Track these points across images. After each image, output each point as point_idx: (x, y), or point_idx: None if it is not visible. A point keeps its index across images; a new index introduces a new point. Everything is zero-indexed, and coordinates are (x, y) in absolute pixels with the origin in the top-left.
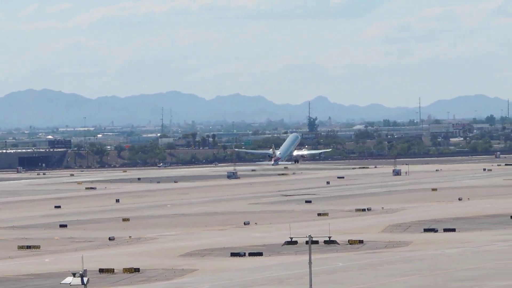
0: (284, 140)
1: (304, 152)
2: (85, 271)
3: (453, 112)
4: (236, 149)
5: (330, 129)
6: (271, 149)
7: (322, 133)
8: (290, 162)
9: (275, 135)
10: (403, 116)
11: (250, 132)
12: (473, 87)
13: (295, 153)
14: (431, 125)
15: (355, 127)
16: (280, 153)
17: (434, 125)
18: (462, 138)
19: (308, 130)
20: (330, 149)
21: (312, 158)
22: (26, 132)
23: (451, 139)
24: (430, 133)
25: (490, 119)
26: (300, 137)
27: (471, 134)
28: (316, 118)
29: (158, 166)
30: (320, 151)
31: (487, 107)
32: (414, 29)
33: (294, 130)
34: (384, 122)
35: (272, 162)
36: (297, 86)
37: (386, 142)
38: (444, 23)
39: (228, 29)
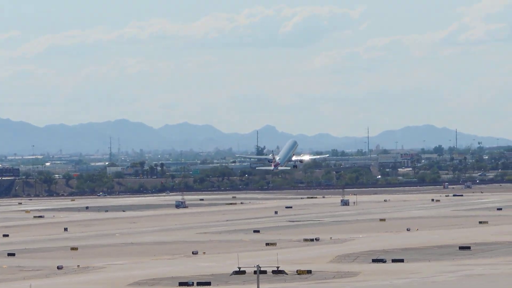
0: (232, 169)
1: (303, 157)
2: None
3: (402, 142)
4: (240, 157)
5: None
6: (270, 155)
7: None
8: (289, 167)
9: (224, 164)
10: (351, 146)
11: (199, 161)
12: (422, 117)
13: (294, 158)
14: (379, 155)
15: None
16: (279, 158)
17: (382, 155)
18: (410, 169)
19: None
20: (327, 155)
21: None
22: None
23: (399, 169)
24: (379, 163)
25: (439, 150)
26: (297, 143)
27: (419, 165)
28: (264, 147)
29: (98, 195)
30: (318, 156)
31: (435, 137)
32: (361, 59)
33: (242, 159)
34: (332, 152)
35: (272, 167)
36: (245, 115)
37: (334, 172)
38: (392, 53)
39: (176, 57)
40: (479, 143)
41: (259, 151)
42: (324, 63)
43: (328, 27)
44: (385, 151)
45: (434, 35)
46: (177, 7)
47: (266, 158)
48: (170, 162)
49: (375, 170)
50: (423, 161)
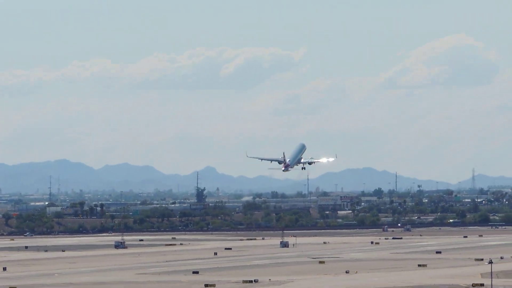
0: (172, 210)
1: (312, 160)
2: None
3: (342, 185)
4: (250, 157)
5: (218, 200)
6: (281, 156)
7: (210, 204)
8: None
9: (163, 205)
10: (291, 188)
11: (138, 202)
12: (361, 160)
13: (303, 160)
14: (319, 198)
15: (243, 199)
16: (289, 160)
17: (322, 197)
18: (350, 211)
19: (196, 200)
20: (335, 158)
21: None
22: None
23: (339, 211)
24: (318, 205)
25: (378, 192)
26: (306, 147)
27: (359, 207)
28: (204, 189)
29: (25, 235)
30: (327, 159)
31: (375, 180)
32: (303, 101)
33: (182, 200)
34: (272, 193)
35: (283, 168)
36: (185, 156)
37: (274, 214)
38: (333, 95)
39: (117, 98)
40: (418, 186)
41: (199, 193)
42: (266, 105)
43: (270, 69)
44: (325, 194)
45: (375, 78)
46: (119, 47)
47: (277, 160)
48: (110, 202)
49: (314, 212)
50: (362, 203)
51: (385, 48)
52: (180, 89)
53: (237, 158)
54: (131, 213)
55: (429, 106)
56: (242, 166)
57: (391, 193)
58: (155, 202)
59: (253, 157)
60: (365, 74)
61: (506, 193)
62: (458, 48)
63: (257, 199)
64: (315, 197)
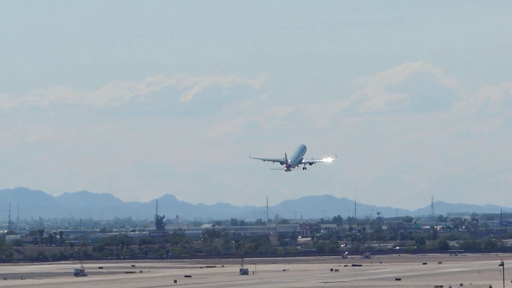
0: (131, 238)
1: (313, 160)
2: None
3: (301, 212)
4: (253, 158)
5: (177, 228)
6: (283, 157)
7: (170, 232)
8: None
9: (123, 232)
10: (251, 215)
11: (98, 230)
12: (321, 187)
13: (304, 160)
14: (278, 225)
15: (202, 226)
16: (291, 160)
17: (281, 224)
18: (309, 238)
19: (155, 228)
20: (335, 157)
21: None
22: None
23: (298, 239)
24: (278, 232)
25: (338, 220)
26: (306, 148)
27: (318, 234)
28: (163, 217)
29: None
30: (327, 159)
31: (334, 207)
32: (262, 128)
33: (141, 228)
34: (232, 221)
35: (285, 168)
36: (145, 183)
37: (233, 241)
38: (293, 122)
39: (77, 125)
40: (378, 213)
41: (158, 220)
42: (225, 132)
43: (229, 96)
44: (285, 221)
45: (335, 105)
46: (79, 75)
47: (279, 160)
48: (69, 230)
49: (274, 239)
50: (322, 231)
51: (344, 75)
52: (139, 117)
53: (196, 186)
54: (90, 241)
55: (388, 134)
56: (201, 193)
57: (350, 220)
58: (115, 229)
59: (256, 158)
60: (324, 101)
61: (465, 220)
62: (416, 75)
63: (217, 226)
64: (274, 225)
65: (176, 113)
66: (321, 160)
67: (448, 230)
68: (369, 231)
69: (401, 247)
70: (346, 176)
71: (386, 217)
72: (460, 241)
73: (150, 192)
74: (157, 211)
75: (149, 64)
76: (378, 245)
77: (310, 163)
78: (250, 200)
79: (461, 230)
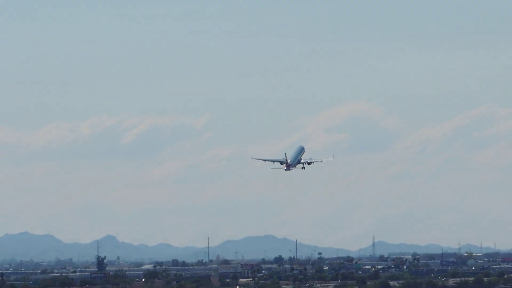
0: (72, 279)
1: (312, 160)
2: None
3: (242, 252)
4: (254, 158)
5: (119, 269)
6: (283, 157)
7: (111, 273)
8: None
9: (64, 274)
10: (192, 256)
11: (39, 271)
12: (262, 228)
13: (302, 160)
14: (220, 266)
15: (143, 267)
16: (290, 160)
17: (222, 265)
18: (250, 279)
19: (97, 269)
20: (332, 158)
21: None
22: None
23: (240, 279)
24: (219, 273)
25: (279, 260)
26: (305, 149)
27: (259, 275)
28: (105, 257)
29: None
30: (325, 159)
31: (276, 247)
32: (203, 169)
33: (83, 269)
34: (173, 261)
35: (285, 168)
36: (86, 224)
37: (174, 282)
38: (234, 163)
39: (17, 166)
40: (319, 253)
41: (100, 261)
42: (166, 173)
43: (170, 137)
44: (226, 261)
45: (275, 145)
46: (19, 115)
47: (279, 160)
48: (10, 271)
49: (215, 280)
50: (263, 271)
51: (285, 115)
52: (80, 158)
53: (137, 226)
54: (31, 282)
55: (329, 174)
56: (142, 234)
57: (291, 260)
58: (56, 271)
59: (257, 159)
60: (265, 142)
61: (406, 259)
62: (357, 116)
63: (158, 267)
64: (215, 265)
65: (117, 153)
66: (319, 160)
67: (389, 270)
68: (310, 271)
69: (342, 287)
70: (287, 216)
71: (327, 257)
72: (401, 281)
73: (91, 233)
74: (98, 252)
75: (90, 105)
76: (319, 285)
77: (309, 163)
78: (191, 240)
79: (402, 270)
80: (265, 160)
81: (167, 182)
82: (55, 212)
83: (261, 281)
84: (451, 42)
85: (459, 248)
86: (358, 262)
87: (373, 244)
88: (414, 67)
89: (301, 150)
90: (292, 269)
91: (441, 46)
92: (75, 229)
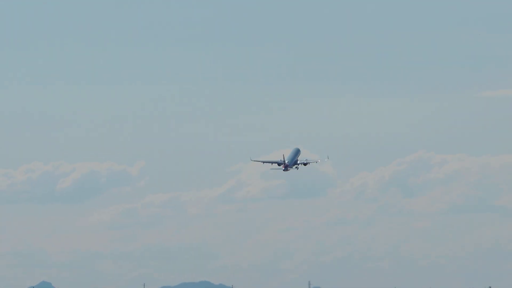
0: None
1: (307, 161)
2: None
3: None
4: (253, 160)
5: None
6: (280, 159)
7: None
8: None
9: None
10: None
11: None
12: (198, 274)
13: (299, 162)
14: None
15: None
16: (288, 161)
17: None
18: None
19: None
20: (327, 159)
21: None
22: None
23: None
24: None
25: None
26: (301, 151)
27: None
28: None
29: None
30: (320, 160)
31: None
32: (139, 215)
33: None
34: None
35: (283, 168)
36: (20, 271)
37: None
38: (169, 209)
39: None
40: None
41: None
42: (102, 219)
43: (106, 184)
44: None
45: (210, 192)
46: None
47: (277, 162)
48: None
49: None
50: None
51: (221, 162)
52: (15, 204)
53: (73, 273)
54: None
55: (265, 220)
56: (78, 280)
57: None
58: None
59: (256, 161)
60: (201, 189)
61: None
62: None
63: None
64: None
65: (53, 200)
66: (315, 161)
67: None
68: None
69: None
70: (223, 262)
71: None
72: None
73: (26, 279)
74: None
75: (25, 151)
76: None
77: (305, 164)
78: (127, 286)
79: None
80: (263, 162)
81: (102, 228)
82: None
83: None
84: (385, 88)
85: None
86: None
87: None
88: (350, 112)
89: (297, 152)
90: None
91: (376, 92)
92: (10, 276)
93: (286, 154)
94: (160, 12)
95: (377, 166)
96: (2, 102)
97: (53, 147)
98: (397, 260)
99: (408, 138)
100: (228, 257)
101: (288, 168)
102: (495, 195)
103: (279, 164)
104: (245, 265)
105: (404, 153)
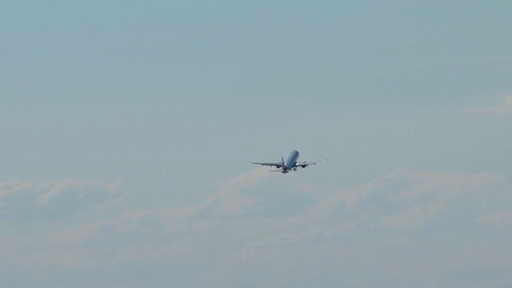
0: None
1: (306, 163)
2: None
3: None
4: (253, 162)
5: None
6: (280, 161)
7: None
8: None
9: None
10: None
11: None
12: None
13: (297, 164)
14: None
15: None
16: (287, 163)
17: None
18: None
19: None
20: (325, 160)
21: None
22: None
23: None
24: None
25: None
26: (299, 153)
27: None
28: None
29: None
30: (317, 162)
31: None
32: (117, 232)
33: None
34: None
35: (282, 170)
36: None
37: None
38: (148, 226)
39: None
40: None
41: None
42: (79, 236)
43: (84, 200)
44: None
45: (189, 209)
46: None
47: (276, 164)
48: None
49: None
50: None
51: (199, 179)
52: None
53: None
54: None
55: (243, 237)
56: None
57: None
58: None
59: (256, 163)
60: (179, 205)
61: None
62: (272, 179)
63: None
64: None
65: (31, 217)
66: (313, 163)
67: None
68: None
69: None
70: (201, 279)
71: None
72: None
73: None
74: None
75: (3, 168)
76: None
77: (303, 166)
78: None
79: None
80: (263, 164)
81: (80, 245)
82: None
83: None
84: (365, 106)
85: None
86: None
87: None
88: (327, 130)
89: (296, 154)
90: None
91: (354, 110)
92: None
93: (285, 157)
94: (136, 29)
95: (356, 183)
96: None
97: (30, 164)
98: (377, 277)
99: (388, 156)
100: (207, 275)
101: (287, 170)
102: (475, 213)
103: (278, 166)
104: (223, 283)
105: (383, 171)
